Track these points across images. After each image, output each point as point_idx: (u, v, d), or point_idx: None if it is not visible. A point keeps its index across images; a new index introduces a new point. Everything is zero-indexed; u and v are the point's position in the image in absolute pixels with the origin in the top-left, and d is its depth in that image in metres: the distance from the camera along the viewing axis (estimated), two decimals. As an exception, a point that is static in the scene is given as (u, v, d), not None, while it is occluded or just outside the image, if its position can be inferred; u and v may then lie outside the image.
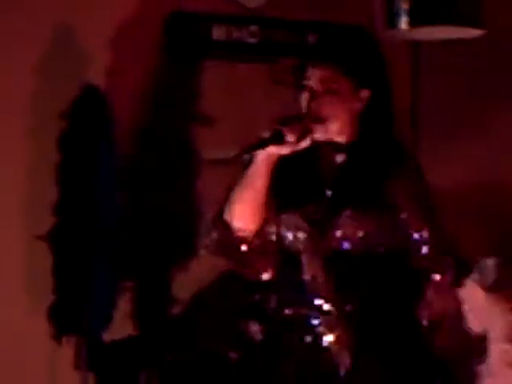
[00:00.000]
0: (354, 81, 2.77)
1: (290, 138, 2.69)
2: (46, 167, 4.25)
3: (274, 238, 2.95)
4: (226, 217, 2.85)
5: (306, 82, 2.79)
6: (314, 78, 2.77)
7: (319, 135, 2.74)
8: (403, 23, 4.18)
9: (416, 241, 2.89)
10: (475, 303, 3.43)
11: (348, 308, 2.83)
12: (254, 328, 4.02)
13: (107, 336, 4.26)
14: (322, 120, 2.73)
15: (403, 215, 2.90)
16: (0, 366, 4.25)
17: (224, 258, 3.01)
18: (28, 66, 4.31)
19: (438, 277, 2.87)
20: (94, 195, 4.22)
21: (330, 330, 2.86)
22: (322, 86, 2.74)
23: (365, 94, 2.75)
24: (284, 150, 2.72)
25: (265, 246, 2.98)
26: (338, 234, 2.83)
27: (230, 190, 2.89)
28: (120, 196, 4.32)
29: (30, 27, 4.32)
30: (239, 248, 2.93)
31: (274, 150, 2.72)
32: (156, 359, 4.10)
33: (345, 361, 2.83)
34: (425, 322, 2.88)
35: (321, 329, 2.87)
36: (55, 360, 4.34)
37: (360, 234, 2.84)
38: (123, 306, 4.36)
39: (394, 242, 2.89)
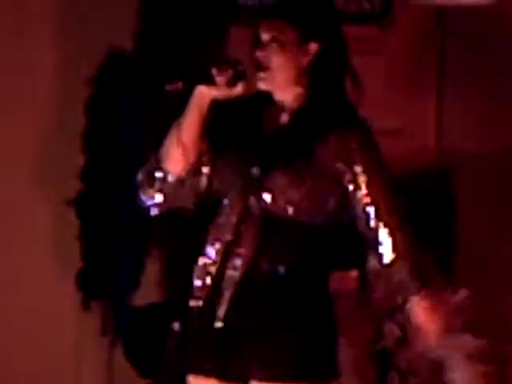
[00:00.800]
0: (302, 32, 2.71)
1: (220, 80, 2.68)
2: (73, 133, 4.29)
3: (201, 181, 2.91)
4: (159, 154, 2.84)
5: (260, 28, 2.75)
6: (262, 28, 2.71)
7: (263, 85, 2.71)
8: None
9: (365, 212, 2.79)
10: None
11: (269, 279, 2.76)
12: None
13: (134, 301, 4.31)
14: (265, 68, 2.69)
15: (350, 186, 2.80)
16: (30, 331, 4.34)
17: (151, 188, 2.98)
18: (56, 31, 4.36)
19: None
20: (122, 161, 4.21)
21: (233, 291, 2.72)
22: (268, 36, 2.68)
23: (313, 47, 2.68)
24: (214, 92, 2.72)
25: (194, 179, 2.95)
26: (271, 197, 2.76)
27: (168, 130, 2.89)
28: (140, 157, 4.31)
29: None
30: (171, 179, 2.88)
31: (204, 90, 2.73)
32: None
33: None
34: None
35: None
36: (83, 325, 4.40)
37: (294, 200, 2.76)
38: (150, 271, 4.42)
39: (328, 212, 2.81)
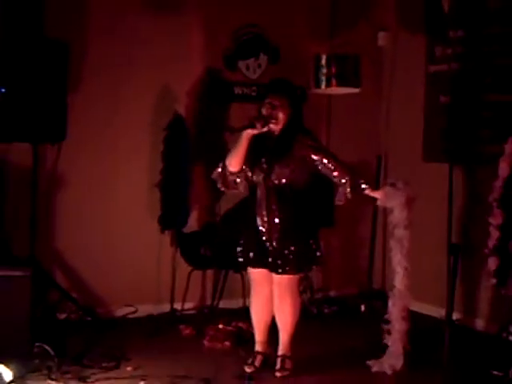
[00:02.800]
0: (288, 102, 4.79)
1: (258, 125, 4.65)
2: (158, 152, 6.42)
3: (248, 175, 4.84)
4: (226, 162, 4.83)
5: (267, 101, 4.78)
6: (272, 98, 4.77)
7: (273, 126, 4.74)
8: (322, 85, 6.36)
9: (328, 168, 4.71)
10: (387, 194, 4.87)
11: (279, 212, 4.79)
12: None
13: (184, 230, 6.49)
14: (275, 120, 4.75)
15: (316, 158, 4.72)
16: (137, 244, 6.48)
17: (224, 180, 4.95)
18: (150, 105, 6.57)
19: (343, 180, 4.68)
20: (179, 169, 6.37)
21: (264, 222, 4.82)
22: (275, 104, 4.75)
23: (288, 102, 4.77)
24: (255, 132, 4.65)
25: (244, 176, 4.86)
26: (274, 176, 4.74)
27: (230, 150, 4.88)
28: (190, 169, 6.42)
29: (144, 88, 6.49)
30: (230, 176, 4.86)
31: (249, 131, 4.65)
32: (210, 240, 6.44)
33: (274, 235, 4.82)
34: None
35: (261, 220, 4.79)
36: (161, 242, 6.56)
37: (281, 175, 4.75)
38: (192, 217, 6.62)
39: (305, 180, 4.79)
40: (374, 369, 5.07)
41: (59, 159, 6.09)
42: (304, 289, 6.62)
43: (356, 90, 6.45)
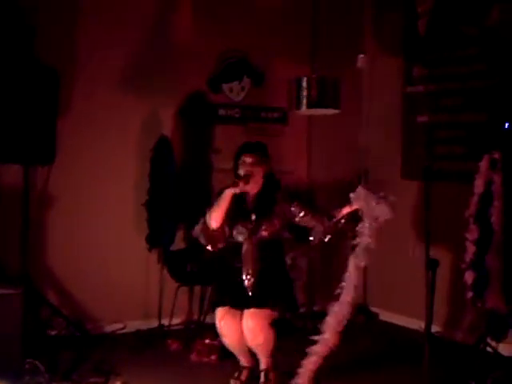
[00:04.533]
0: (262, 159, 4.96)
1: (240, 184, 4.85)
2: (145, 173, 6.46)
3: (227, 232, 4.98)
4: (207, 219, 4.97)
5: (241, 161, 4.92)
6: (248, 157, 4.93)
7: (250, 185, 4.90)
8: (303, 107, 6.13)
9: (305, 221, 4.92)
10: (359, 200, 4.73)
11: (262, 265, 4.97)
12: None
13: (171, 248, 6.48)
14: (253, 176, 4.91)
15: (295, 213, 4.92)
16: (123, 266, 6.50)
17: (205, 237, 5.09)
18: (137, 128, 6.65)
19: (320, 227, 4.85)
20: (165, 189, 6.39)
21: (248, 277, 4.94)
22: (252, 160, 4.92)
23: (266, 165, 4.98)
24: (237, 190, 4.87)
25: (222, 233, 5.01)
26: (259, 233, 4.96)
27: (211, 207, 4.97)
28: (176, 188, 6.41)
29: (131, 111, 6.54)
30: (211, 232, 5.00)
31: (231, 190, 4.86)
32: (196, 257, 6.33)
33: (253, 287, 4.94)
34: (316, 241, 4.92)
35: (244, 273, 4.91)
36: (149, 259, 6.58)
37: (268, 231, 4.99)
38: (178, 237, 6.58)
39: (283, 231, 5.03)
40: None
41: (49, 180, 6.17)
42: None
43: (336, 111, 6.35)
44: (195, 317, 6.85)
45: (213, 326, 5.97)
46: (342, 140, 7.54)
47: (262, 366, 5.07)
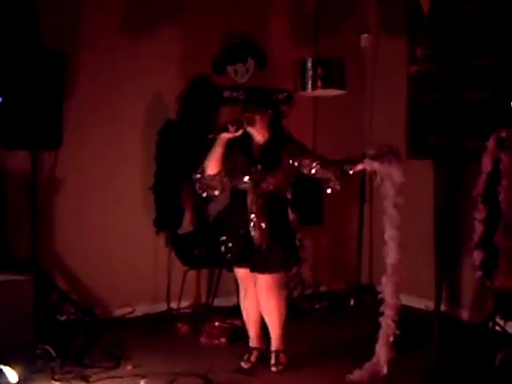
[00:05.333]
0: (267, 111, 4.90)
1: (231, 129, 4.73)
2: (151, 156, 6.44)
3: (225, 181, 4.86)
4: (204, 165, 4.87)
5: (247, 109, 4.86)
6: (250, 110, 4.86)
7: (251, 130, 4.82)
8: (308, 88, 6.24)
9: (309, 168, 4.75)
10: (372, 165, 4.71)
11: (266, 217, 4.87)
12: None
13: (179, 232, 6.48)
14: (253, 124, 4.83)
15: (296, 162, 4.76)
16: (131, 250, 6.50)
17: (200, 183, 4.93)
18: (143, 111, 6.56)
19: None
20: (172, 172, 6.38)
21: (254, 227, 4.85)
22: (252, 110, 4.86)
23: (268, 114, 4.87)
24: (229, 135, 4.74)
25: (220, 181, 4.89)
26: (264, 184, 4.84)
27: (207, 155, 4.88)
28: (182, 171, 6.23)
29: (137, 95, 6.50)
30: (208, 179, 4.87)
31: (224, 135, 4.76)
32: (203, 240, 6.41)
33: (260, 238, 4.86)
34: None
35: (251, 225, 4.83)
36: (157, 243, 6.60)
37: (273, 184, 4.87)
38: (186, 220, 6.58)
39: (289, 185, 4.93)
40: (356, 379, 4.85)
41: (56, 165, 6.19)
42: (295, 285, 6.67)
43: (342, 92, 6.42)
44: (203, 300, 6.87)
45: (221, 309, 6.35)
46: (347, 121, 7.50)
47: (273, 347, 5.07)
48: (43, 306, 5.80)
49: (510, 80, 6.12)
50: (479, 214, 5.47)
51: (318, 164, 4.76)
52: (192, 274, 6.65)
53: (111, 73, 6.41)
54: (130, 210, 6.54)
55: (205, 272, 6.85)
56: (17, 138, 5.61)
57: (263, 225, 4.81)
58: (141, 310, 6.48)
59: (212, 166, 4.87)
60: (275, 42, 7.19)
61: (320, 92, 6.38)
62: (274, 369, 5.03)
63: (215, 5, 6.82)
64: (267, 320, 5.02)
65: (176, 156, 6.43)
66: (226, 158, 4.85)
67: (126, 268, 6.44)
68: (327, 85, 6.31)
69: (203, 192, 4.95)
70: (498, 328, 5.53)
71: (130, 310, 6.44)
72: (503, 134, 5.36)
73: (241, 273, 5.03)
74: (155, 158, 6.47)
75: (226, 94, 7.03)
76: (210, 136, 4.77)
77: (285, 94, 7.20)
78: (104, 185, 6.43)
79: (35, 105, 5.63)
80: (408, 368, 5.02)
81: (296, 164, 4.80)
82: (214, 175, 4.86)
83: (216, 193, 4.94)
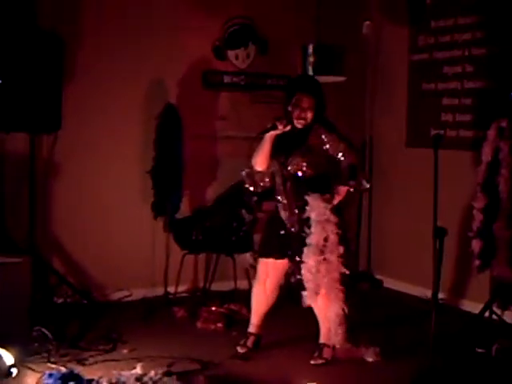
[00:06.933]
0: (315, 101, 4.81)
1: (280, 126, 4.72)
2: (150, 141, 6.37)
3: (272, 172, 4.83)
4: (252, 162, 4.90)
5: (294, 101, 4.77)
6: (301, 98, 4.77)
7: (300, 126, 4.77)
8: (309, 73, 6.33)
9: (339, 156, 4.75)
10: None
11: (297, 202, 4.84)
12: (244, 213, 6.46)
13: (176, 216, 6.47)
14: (304, 119, 4.78)
15: (329, 146, 4.74)
16: (129, 234, 6.52)
17: (249, 180, 5.07)
18: (142, 95, 6.55)
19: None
20: (171, 156, 6.36)
21: (285, 210, 4.88)
22: (303, 106, 4.77)
23: (316, 107, 4.78)
24: (278, 132, 4.75)
25: (268, 174, 4.93)
26: (290, 166, 4.81)
27: (255, 152, 4.90)
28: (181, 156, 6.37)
29: (137, 78, 6.46)
30: (259, 175, 4.97)
31: (272, 132, 4.75)
32: (201, 225, 6.38)
33: (294, 225, 4.88)
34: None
35: (281, 211, 4.89)
36: (155, 227, 6.56)
37: (303, 167, 4.82)
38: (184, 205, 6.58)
39: (321, 170, 4.80)
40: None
41: (55, 148, 6.15)
42: (293, 271, 6.49)
43: (341, 79, 6.49)
44: (201, 285, 6.83)
45: (218, 294, 6.33)
46: (347, 108, 7.37)
47: (321, 339, 5.09)
48: (41, 288, 5.78)
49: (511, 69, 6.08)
50: (478, 203, 5.44)
51: (341, 147, 4.81)
52: (190, 258, 6.61)
53: (111, 57, 6.41)
54: (128, 194, 6.51)
55: (202, 257, 6.83)
56: (15, 120, 5.57)
57: (296, 210, 4.83)
58: (138, 293, 6.45)
59: (261, 162, 4.88)
60: (277, 27, 7.14)
61: (320, 78, 6.01)
62: (312, 361, 4.98)
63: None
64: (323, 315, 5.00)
65: (175, 140, 6.39)
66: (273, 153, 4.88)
67: (124, 252, 6.41)
68: (327, 71, 6.45)
69: (254, 187, 5.02)
70: (495, 317, 5.52)
71: (127, 293, 6.40)
72: (504, 124, 5.36)
73: (269, 264, 5.02)
74: (154, 142, 6.39)
75: (227, 79, 7.04)
76: (257, 136, 4.83)
77: (285, 79, 7.02)
78: (102, 169, 6.40)
79: (34, 88, 5.58)
80: (403, 358, 5.06)
81: (322, 145, 4.80)
82: (264, 171, 4.92)
83: (263, 185, 5.02)
